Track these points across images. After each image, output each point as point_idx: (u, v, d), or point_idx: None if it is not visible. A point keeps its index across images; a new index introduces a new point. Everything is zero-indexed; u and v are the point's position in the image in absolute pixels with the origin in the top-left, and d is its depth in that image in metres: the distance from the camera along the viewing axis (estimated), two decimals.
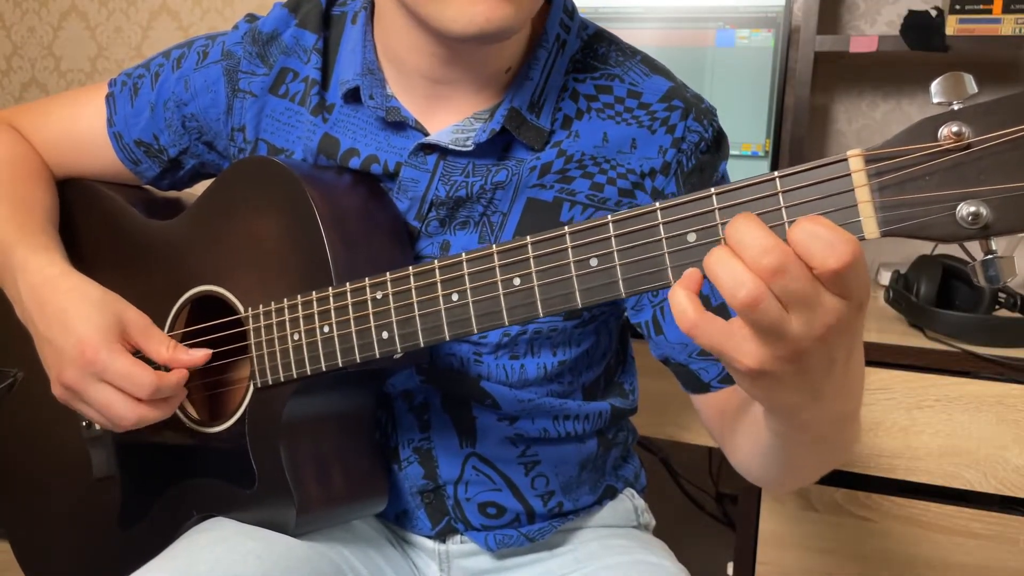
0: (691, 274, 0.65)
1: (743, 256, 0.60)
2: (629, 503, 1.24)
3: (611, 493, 1.22)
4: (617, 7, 1.88)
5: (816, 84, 1.90)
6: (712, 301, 0.98)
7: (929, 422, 1.52)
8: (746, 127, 1.83)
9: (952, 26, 1.77)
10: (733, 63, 1.82)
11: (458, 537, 1.15)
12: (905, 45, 1.75)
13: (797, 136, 1.85)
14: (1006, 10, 1.75)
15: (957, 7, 1.77)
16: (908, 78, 2.05)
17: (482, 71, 0.99)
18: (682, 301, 0.64)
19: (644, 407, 1.28)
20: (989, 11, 1.75)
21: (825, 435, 0.78)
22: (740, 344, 0.64)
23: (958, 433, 1.51)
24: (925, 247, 1.80)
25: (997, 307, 1.60)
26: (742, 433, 0.93)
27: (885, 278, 1.83)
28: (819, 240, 0.58)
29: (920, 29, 1.74)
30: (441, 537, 1.15)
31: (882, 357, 1.54)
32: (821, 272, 0.59)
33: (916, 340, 1.55)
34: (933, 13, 1.75)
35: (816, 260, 0.59)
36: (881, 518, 1.59)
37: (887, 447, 1.56)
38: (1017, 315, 1.58)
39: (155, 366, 0.99)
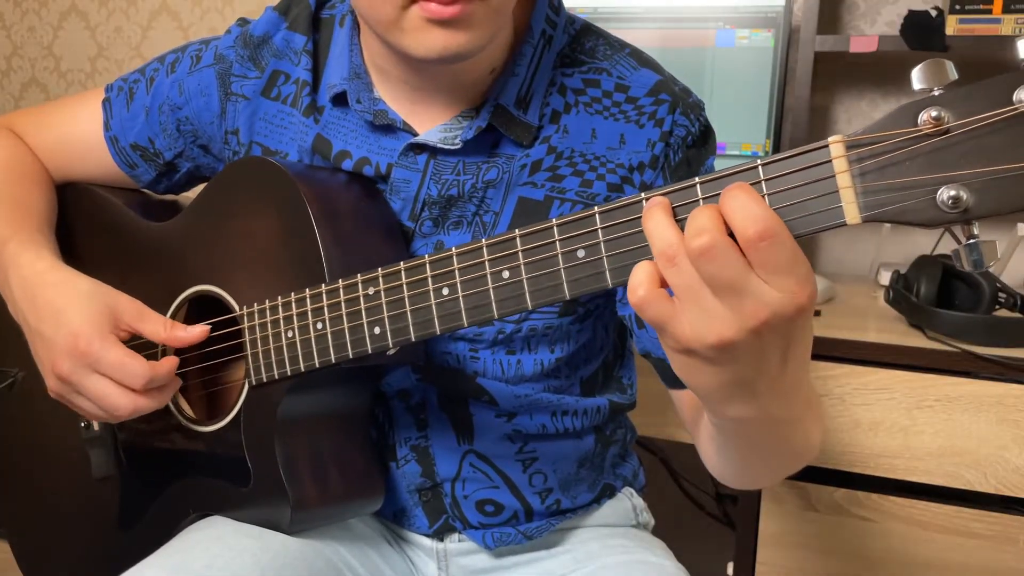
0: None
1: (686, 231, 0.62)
2: (628, 502, 1.24)
3: (609, 492, 1.22)
4: (617, 7, 1.89)
5: (816, 84, 1.90)
6: None
7: (929, 422, 1.52)
8: (746, 127, 1.83)
9: (952, 26, 1.77)
10: (733, 63, 1.83)
11: (456, 535, 1.15)
12: (905, 45, 1.75)
13: (797, 136, 1.86)
14: (1006, 10, 1.75)
15: (957, 7, 1.77)
16: (908, 78, 2.04)
17: (463, 77, 0.99)
18: (640, 276, 0.65)
19: (644, 406, 1.28)
20: (989, 11, 1.76)
21: (762, 437, 0.78)
22: (679, 323, 0.65)
23: (958, 433, 1.51)
24: (926, 247, 1.80)
25: (997, 307, 1.60)
26: (703, 426, 0.94)
27: (885, 278, 1.83)
28: (744, 211, 0.60)
29: (920, 29, 1.74)
30: (439, 535, 1.15)
31: (882, 357, 1.54)
32: (743, 239, 0.60)
33: (916, 340, 1.55)
34: (933, 13, 1.75)
35: (738, 227, 0.60)
36: (881, 518, 1.58)
37: (887, 447, 1.55)
38: (1017, 315, 1.58)
39: (149, 356, 1.00)
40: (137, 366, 0.96)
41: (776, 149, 1.83)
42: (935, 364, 1.52)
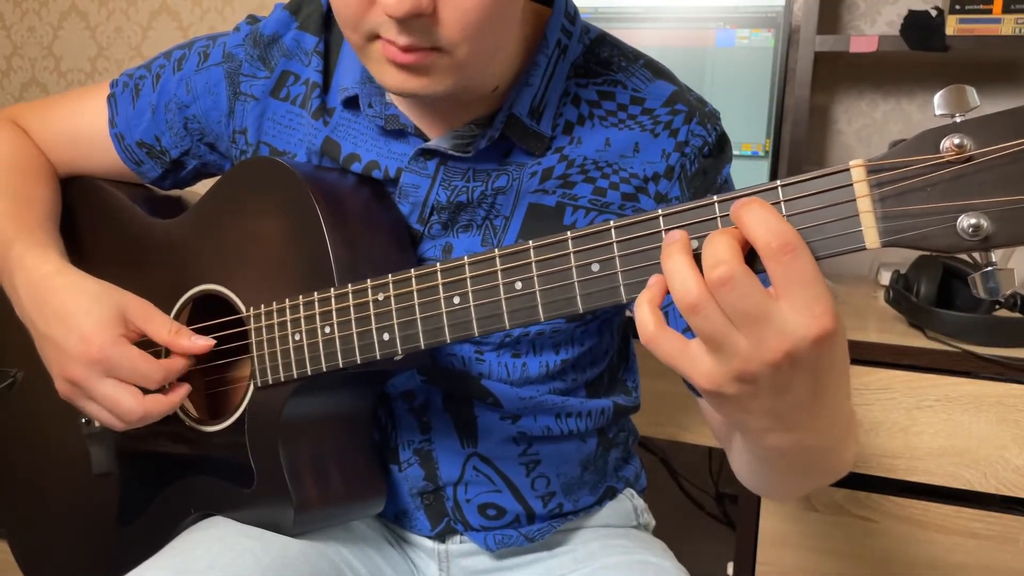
0: (658, 282, 0.67)
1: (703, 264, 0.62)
2: (629, 503, 1.24)
3: (611, 493, 1.22)
4: (617, 7, 1.88)
5: (816, 84, 1.90)
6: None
7: (929, 422, 1.52)
8: (746, 127, 1.83)
9: (952, 26, 1.77)
10: (733, 63, 1.82)
11: (457, 537, 1.15)
12: (905, 45, 1.75)
13: (797, 136, 1.86)
14: (1006, 10, 1.75)
15: (957, 7, 1.76)
16: (908, 78, 2.05)
17: (463, 97, 0.98)
18: (644, 314, 0.66)
19: (644, 407, 1.28)
20: (989, 11, 1.75)
21: (800, 464, 0.79)
22: (694, 362, 0.65)
23: (958, 433, 1.51)
24: None
25: (997, 307, 1.60)
26: (735, 440, 0.94)
27: (885, 278, 1.83)
28: (766, 224, 0.60)
29: (920, 29, 1.74)
30: (440, 537, 1.15)
31: (882, 357, 1.54)
32: (766, 252, 0.60)
33: (916, 340, 1.55)
34: (933, 13, 1.75)
35: (760, 241, 0.61)
36: (881, 518, 1.59)
37: (887, 447, 1.56)
38: (1017, 315, 1.58)
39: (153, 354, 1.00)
40: (152, 367, 0.97)
41: (776, 149, 1.83)
42: (935, 364, 1.52)
